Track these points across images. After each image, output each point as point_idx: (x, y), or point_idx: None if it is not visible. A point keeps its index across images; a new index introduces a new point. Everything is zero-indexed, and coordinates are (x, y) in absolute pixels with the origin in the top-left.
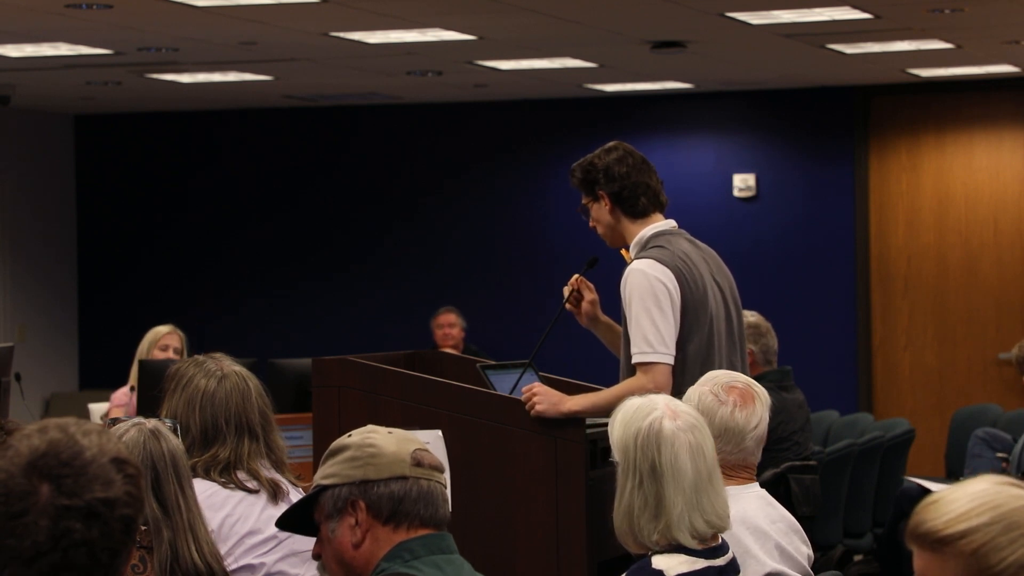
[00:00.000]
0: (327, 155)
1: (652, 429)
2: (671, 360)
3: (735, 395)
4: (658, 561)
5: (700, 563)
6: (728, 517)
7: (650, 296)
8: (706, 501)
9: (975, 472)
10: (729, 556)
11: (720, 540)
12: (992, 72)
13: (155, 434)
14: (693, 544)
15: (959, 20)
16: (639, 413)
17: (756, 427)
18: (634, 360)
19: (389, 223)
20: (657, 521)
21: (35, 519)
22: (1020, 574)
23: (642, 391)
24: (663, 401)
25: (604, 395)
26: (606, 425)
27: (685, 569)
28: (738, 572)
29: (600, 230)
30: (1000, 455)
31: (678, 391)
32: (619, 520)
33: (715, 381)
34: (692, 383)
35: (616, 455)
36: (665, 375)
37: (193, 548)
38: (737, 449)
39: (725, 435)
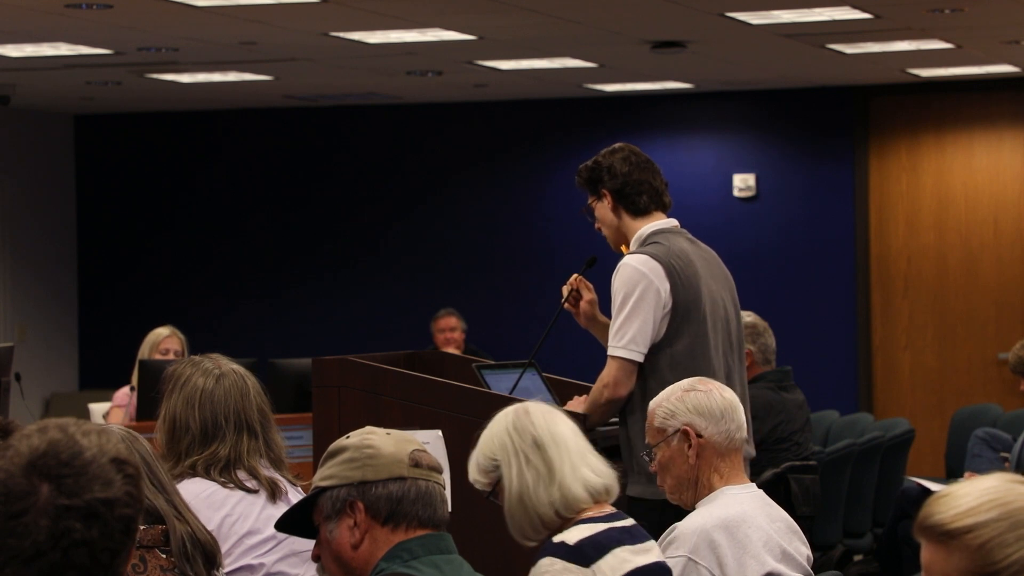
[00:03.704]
0: (327, 155)
1: (518, 413)
2: (634, 356)
3: (709, 384)
4: (558, 536)
5: (600, 526)
6: (615, 479)
7: (632, 291)
8: (592, 458)
9: (976, 472)
10: (631, 521)
11: (615, 510)
12: (992, 72)
13: (130, 435)
14: (587, 500)
15: (959, 20)
16: (496, 419)
17: (740, 407)
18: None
19: (389, 223)
20: (552, 485)
21: (35, 519)
22: (1023, 573)
23: (600, 384)
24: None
25: (588, 400)
26: (606, 426)
27: (587, 534)
28: (647, 538)
29: (604, 230)
30: (1003, 455)
31: (665, 387)
32: (513, 509)
33: (681, 386)
34: (681, 378)
35: (497, 458)
36: (623, 370)
37: (197, 526)
38: (736, 427)
39: (726, 414)
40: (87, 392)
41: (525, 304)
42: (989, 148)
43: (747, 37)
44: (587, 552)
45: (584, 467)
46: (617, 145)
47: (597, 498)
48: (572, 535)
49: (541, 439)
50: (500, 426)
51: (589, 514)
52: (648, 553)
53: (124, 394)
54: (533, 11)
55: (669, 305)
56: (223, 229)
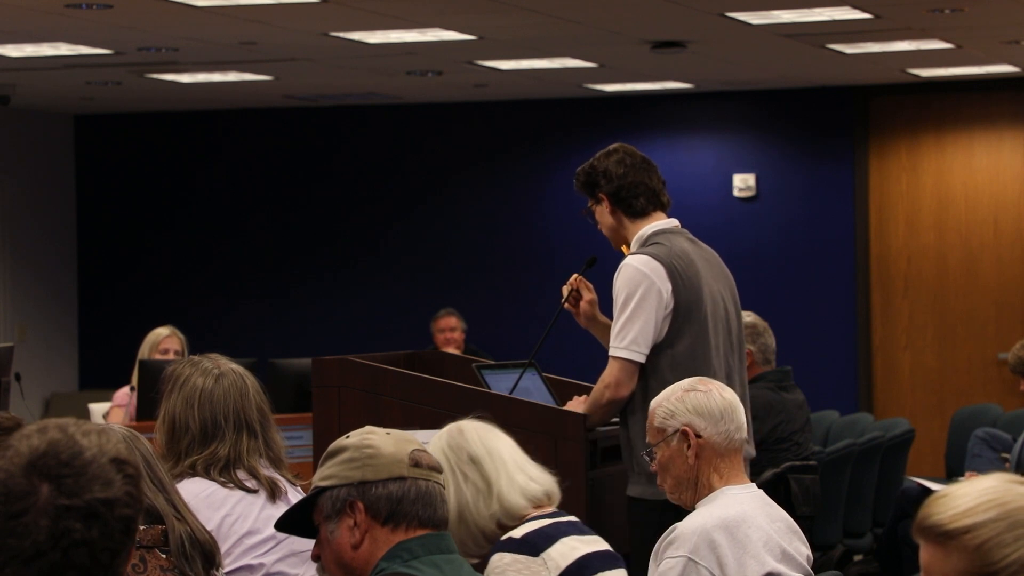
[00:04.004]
0: (327, 155)
1: (452, 432)
2: (635, 357)
3: (709, 384)
4: (506, 535)
5: (546, 521)
6: (554, 484)
7: (634, 292)
8: (530, 468)
9: (977, 472)
10: (575, 518)
11: (558, 510)
12: (992, 72)
13: (132, 435)
14: (527, 507)
15: (959, 20)
16: (432, 441)
17: (740, 407)
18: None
19: (389, 223)
20: (490, 498)
21: (35, 519)
22: (1022, 572)
23: (601, 384)
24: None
25: (589, 400)
26: (606, 426)
27: (532, 528)
28: (593, 533)
29: (605, 232)
30: (1003, 455)
31: (665, 387)
32: (452, 527)
33: (681, 386)
34: (682, 379)
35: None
36: (624, 371)
37: (196, 525)
38: (736, 427)
39: (725, 414)
40: (87, 392)
41: (525, 304)
42: (989, 148)
43: (747, 37)
44: (535, 542)
45: (521, 475)
46: (612, 146)
47: (538, 503)
48: (518, 531)
49: (476, 454)
50: (435, 448)
51: (533, 515)
52: (598, 543)
53: (124, 394)
54: (533, 11)
55: (671, 306)
56: (223, 229)
